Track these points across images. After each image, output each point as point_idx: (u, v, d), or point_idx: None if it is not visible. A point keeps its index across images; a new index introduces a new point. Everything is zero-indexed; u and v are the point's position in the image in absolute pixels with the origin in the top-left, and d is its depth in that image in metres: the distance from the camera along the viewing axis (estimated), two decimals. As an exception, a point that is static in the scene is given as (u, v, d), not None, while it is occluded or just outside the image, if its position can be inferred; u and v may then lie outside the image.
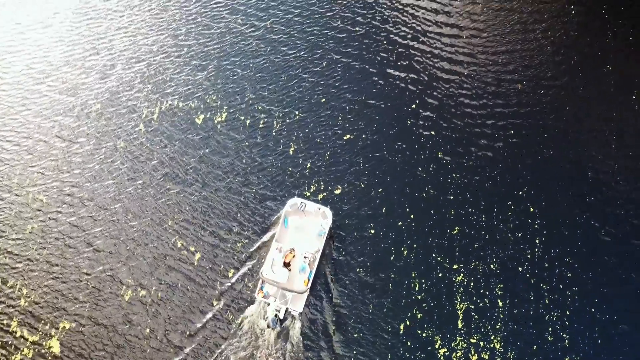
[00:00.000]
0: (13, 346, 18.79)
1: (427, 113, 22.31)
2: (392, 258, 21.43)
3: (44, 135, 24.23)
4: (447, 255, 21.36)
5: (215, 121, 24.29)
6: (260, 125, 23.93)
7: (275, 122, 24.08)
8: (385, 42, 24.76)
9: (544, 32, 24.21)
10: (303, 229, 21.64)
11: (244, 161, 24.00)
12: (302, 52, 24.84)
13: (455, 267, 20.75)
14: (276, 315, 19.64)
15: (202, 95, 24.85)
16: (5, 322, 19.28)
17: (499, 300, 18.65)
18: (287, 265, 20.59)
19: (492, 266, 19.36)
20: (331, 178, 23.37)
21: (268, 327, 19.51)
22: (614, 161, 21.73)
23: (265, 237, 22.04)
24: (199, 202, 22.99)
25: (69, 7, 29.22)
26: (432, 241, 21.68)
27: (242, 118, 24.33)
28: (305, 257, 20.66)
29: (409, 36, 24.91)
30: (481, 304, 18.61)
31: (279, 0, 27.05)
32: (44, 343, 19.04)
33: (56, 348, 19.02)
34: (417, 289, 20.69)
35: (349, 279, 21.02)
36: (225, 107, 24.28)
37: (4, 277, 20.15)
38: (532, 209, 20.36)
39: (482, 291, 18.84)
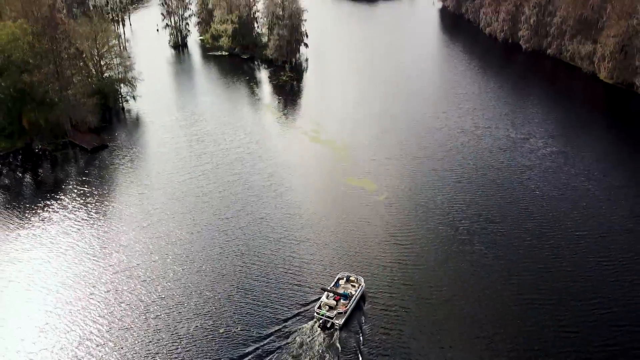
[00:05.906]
0: None
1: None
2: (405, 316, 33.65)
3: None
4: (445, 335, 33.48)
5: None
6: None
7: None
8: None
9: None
10: (347, 288, 35.06)
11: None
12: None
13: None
14: (325, 321, 31.85)
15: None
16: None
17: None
18: (335, 300, 33.55)
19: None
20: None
21: (319, 327, 31.66)
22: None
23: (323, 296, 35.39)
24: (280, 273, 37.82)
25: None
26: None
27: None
28: (347, 292, 33.72)
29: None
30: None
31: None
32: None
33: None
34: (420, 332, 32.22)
35: (373, 322, 33.16)
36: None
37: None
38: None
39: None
